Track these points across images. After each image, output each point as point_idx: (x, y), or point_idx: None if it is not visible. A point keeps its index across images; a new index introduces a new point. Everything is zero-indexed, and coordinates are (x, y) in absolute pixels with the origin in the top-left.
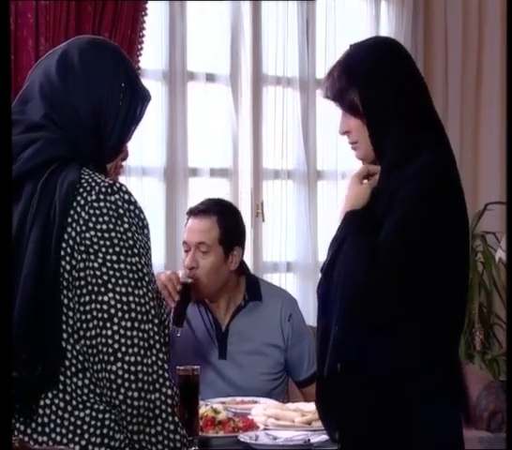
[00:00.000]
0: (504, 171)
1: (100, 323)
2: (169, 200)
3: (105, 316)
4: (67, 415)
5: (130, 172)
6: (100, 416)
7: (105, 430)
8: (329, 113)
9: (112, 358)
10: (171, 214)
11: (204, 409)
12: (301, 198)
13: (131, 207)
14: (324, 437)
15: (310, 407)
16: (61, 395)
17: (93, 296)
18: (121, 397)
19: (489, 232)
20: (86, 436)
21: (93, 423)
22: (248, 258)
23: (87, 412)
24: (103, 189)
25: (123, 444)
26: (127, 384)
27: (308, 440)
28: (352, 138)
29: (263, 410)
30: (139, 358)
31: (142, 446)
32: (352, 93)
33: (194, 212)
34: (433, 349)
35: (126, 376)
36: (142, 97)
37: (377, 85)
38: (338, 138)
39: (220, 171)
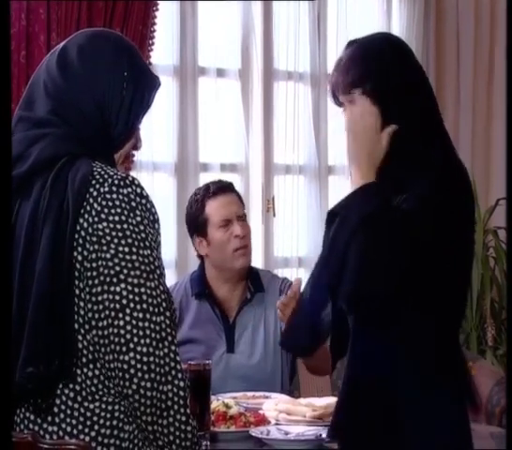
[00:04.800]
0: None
1: (112, 314)
2: (180, 195)
3: (117, 306)
4: (77, 406)
5: (141, 167)
6: (110, 408)
7: (115, 422)
8: (340, 108)
9: (124, 348)
10: (181, 209)
11: (216, 403)
12: (312, 193)
13: (143, 201)
14: None
15: (322, 402)
16: (71, 385)
17: (105, 287)
18: (134, 386)
19: (501, 227)
20: (96, 427)
21: (103, 414)
22: (259, 253)
23: (97, 404)
24: (116, 182)
25: (132, 436)
26: (139, 375)
27: (320, 435)
28: None
29: (274, 405)
30: (151, 349)
31: (155, 437)
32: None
33: (218, 191)
34: (431, 346)
35: (139, 366)
36: (149, 84)
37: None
38: None
39: (231, 166)
